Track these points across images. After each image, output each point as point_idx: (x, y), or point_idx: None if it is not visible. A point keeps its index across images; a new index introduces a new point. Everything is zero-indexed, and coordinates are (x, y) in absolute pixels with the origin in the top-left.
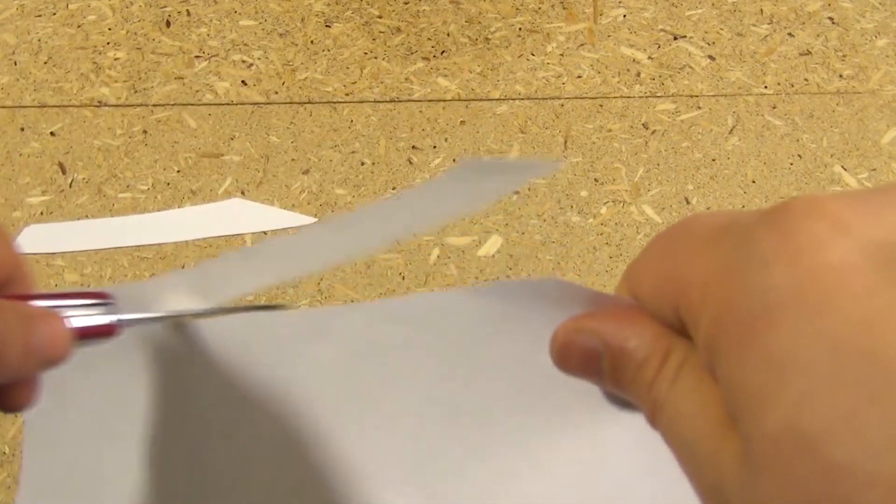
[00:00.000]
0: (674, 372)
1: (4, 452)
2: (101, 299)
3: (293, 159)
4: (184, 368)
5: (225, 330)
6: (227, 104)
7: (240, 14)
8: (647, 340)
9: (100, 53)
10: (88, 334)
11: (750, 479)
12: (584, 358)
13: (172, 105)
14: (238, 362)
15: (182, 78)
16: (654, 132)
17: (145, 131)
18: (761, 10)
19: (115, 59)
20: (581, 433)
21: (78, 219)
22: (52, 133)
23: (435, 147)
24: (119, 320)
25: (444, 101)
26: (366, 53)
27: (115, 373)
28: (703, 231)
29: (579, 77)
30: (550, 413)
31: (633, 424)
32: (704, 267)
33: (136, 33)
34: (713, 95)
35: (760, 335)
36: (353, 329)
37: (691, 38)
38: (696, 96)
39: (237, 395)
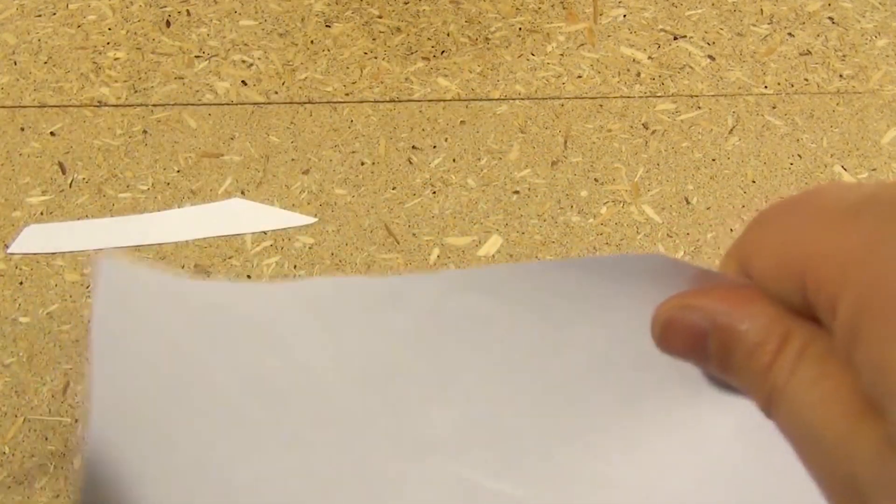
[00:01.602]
0: (794, 358)
1: (4, 452)
2: None
3: (293, 159)
4: (250, 333)
5: (298, 295)
6: (227, 104)
7: (240, 14)
8: (761, 323)
9: (100, 53)
10: None
11: None
12: (688, 337)
13: (172, 105)
14: (309, 330)
15: (182, 78)
16: (654, 132)
17: (145, 131)
18: (761, 10)
19: (115, 59)
20: (677, 417)
21: (78, 219)
22: (52, 133)
23: (435, 147)
24: None
25: (444, 101)
26: (366, 53)
27: (181, 331)
28: (835, 204)
29: (579, 77)
30: (644, 395)
31: (736, 409)
32: (844, 243)
33: (136, 33)
34: (713, 95)
35: None
36: (434, 298)
37: (691, 38)
38: (696, 96)
39: (307, 364)
